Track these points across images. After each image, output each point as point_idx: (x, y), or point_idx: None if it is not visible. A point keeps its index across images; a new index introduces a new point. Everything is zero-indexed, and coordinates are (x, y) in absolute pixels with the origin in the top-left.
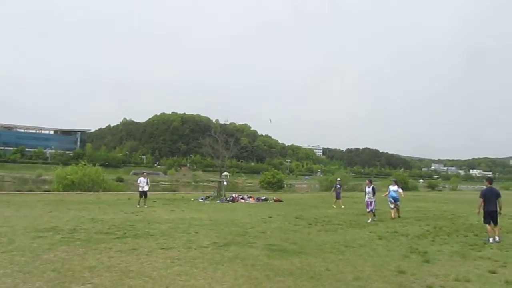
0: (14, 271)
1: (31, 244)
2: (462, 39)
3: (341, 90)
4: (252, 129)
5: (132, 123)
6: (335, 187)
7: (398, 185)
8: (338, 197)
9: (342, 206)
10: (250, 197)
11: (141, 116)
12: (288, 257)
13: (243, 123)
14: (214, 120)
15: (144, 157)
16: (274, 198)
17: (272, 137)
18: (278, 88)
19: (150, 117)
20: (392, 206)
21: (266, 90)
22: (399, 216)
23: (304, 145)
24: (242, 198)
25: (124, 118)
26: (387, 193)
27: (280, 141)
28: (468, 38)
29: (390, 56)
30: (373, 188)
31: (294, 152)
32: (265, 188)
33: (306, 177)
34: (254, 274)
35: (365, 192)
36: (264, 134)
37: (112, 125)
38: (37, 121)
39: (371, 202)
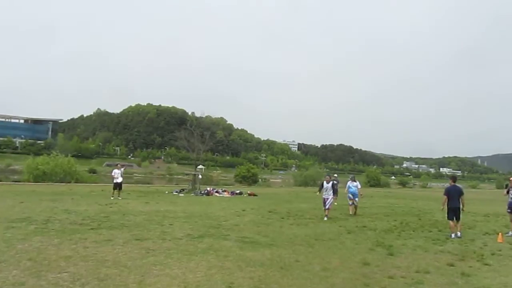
0: None
1: (4, 234)
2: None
3: (313, 83)
4: (228, 122)
5: (106, 113)
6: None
7: (356, 182)
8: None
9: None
10: (225, 190)
11: (115, 107)
12: (260, 249)
13: (219, 116)
14: (190, 113)
15: (117, 148)
16: (249, 192)
17: (248, 132)
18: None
19: (125, 108)
20: (350, 202)
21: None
22: (355, 214)
23: (280, 140)
24: (216, 192)
25: (98, 109)
26: (346, 189)
27: (256, 136)
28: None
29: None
30: (333, 185)
31: (269, 146)
32: (240, 182)
33: (281, 172)
34: (227, 265)
35: (322, 187)
36: (240, 128)
37: (85, 115)
38: (5, 109)
39: (327, 199)
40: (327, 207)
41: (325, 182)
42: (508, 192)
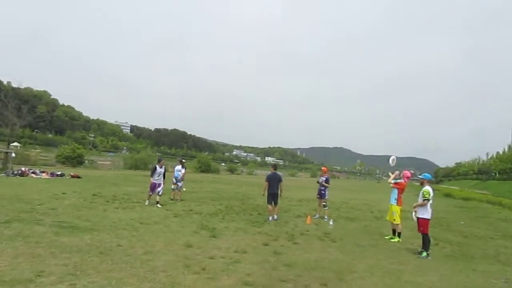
0: None
1: None
2: None
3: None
4: (52, 97)
5: None
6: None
7: (183, 166)
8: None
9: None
10: (43, 171)
11: None
12: (78, 234)
13: (42, 89)
14: (5, 82)
15: None
16: (72, 174)
17: (76, 109)
18: None
19: None
20: (173, 186)
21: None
22: (180, 200)
23: (112, 120)
24: (33, 173)
25: None
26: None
27: (84, 114)
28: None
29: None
30: (165, 169)
31: (99, 127)
32: (62, 163)
33: (111, 153)
34: (38, 251)
35: (154, 171)
36: (66, 105)
37: None
38: None
39: (159, 184)
40: (158, 191)
41: (157, 166)
42: (318, 182)
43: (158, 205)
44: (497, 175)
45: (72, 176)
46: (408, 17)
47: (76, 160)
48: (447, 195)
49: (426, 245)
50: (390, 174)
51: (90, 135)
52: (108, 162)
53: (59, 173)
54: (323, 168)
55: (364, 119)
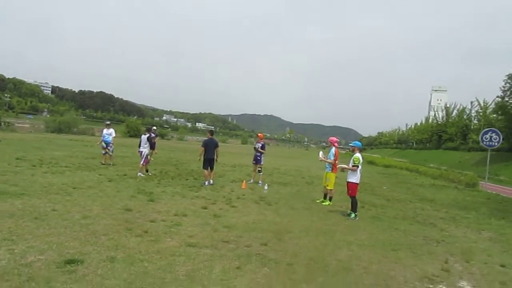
0: None
1: None
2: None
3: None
4: None
5: None
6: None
7: (111, 129)
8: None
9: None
10: None
11: None
12: (7, 199)
13: None
14: None
15: None
16: None
17: None
18: None
19: None
20: (103, 151)
21: None
22: (112, 164)
23: (30, 80)
24: None
25: None
26: (101, 138)
27: None
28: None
29: None
30: (149, 138)
31: (16, 86)
32: None
33: (29, 116)
34: None
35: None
36: None
37: None
38: None
39: (142, 152)
40: (142, 162)
41: (142, 136)
42: (254, 148)
43: (140, 174)
44: (414, 144)
45: None
46: None
47: None
48: (370, 163)
49: (354, 207)
50: (321, 156)
51: (5, 95)
52: (27, 125)
53: None
54: (259, 134)
55: (296, 90)
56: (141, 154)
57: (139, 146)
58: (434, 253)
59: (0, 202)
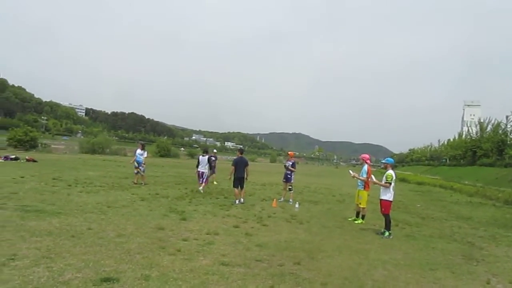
0: None
1: None
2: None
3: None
4: (0, 77)
5: None
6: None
7: (144, 150)
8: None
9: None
10: None
11: None
12: (45, 218)
13: None
14: None
15: None
16: (27, 157)
17: (27, 90)
18: None
19: None
20: (135, 171)
21: None
22: (144, 184)
23: (65, 103)
24: None
25: None
26: (134, 158)
27: (36, 96)
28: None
29: None
30: (209, 160)
31: (52, 109)
32: (14, 147)
33: (65, 137)
34: (6, 236)
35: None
36: (16, 86)
37: None
38: None
39: (203, 172)
40: (202, 181)
41: (200, 157)
42: (285, 166)
43: (201, 190)
44: (448, 161)
45: (28, 160)
46: None
47: (29, 144)
48: (402, 180)
49: (388, 225)
50: (353, 173)
51: (42, 117)
52: (62, 146)
53: (13, 156)
54: (289, 152)
55: (323, 107)
56: (199, 175)
57: (197, 166)
58: (475, 273)
59: (38, 221)
